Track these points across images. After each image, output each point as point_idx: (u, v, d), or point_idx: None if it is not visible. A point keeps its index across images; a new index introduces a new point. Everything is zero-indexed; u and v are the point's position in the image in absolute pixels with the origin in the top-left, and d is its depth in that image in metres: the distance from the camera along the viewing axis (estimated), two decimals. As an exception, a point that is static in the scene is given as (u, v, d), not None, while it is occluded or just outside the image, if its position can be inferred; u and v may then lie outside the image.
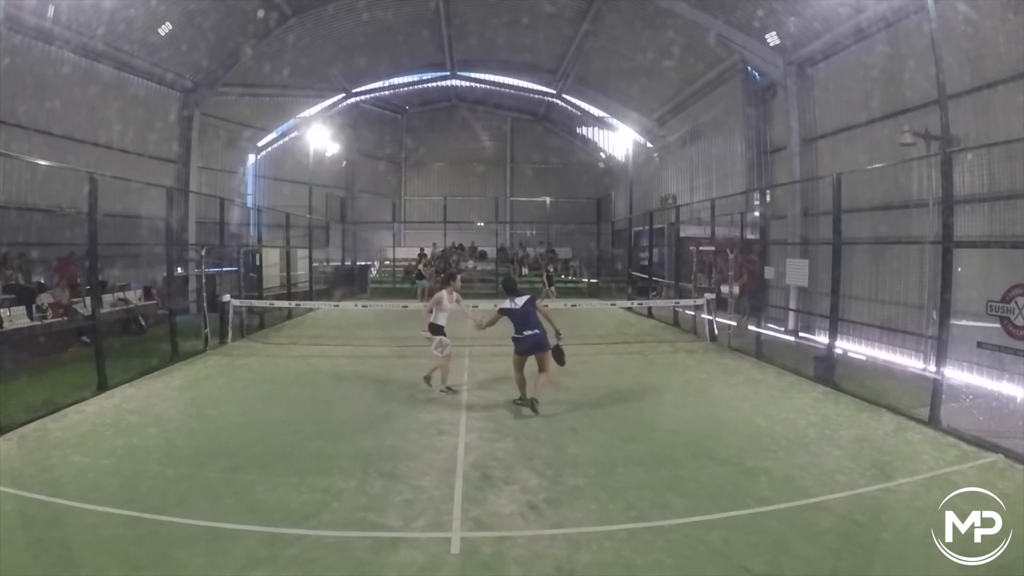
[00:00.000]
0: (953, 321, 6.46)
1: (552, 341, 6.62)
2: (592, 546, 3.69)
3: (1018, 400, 6.82)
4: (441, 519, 4.06)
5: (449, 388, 7.45)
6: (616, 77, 20.48)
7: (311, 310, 15.50)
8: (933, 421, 6.14)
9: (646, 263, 19.22)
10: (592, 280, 23.27)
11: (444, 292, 7.47)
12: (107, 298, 11.35)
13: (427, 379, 7.50)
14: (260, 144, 21.86)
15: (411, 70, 23.97)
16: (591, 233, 25.09)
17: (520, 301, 6.57)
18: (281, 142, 22.93)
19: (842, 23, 10.87)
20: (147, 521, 3.94)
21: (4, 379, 7.64)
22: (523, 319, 6.55)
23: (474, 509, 4.21)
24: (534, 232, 27.03)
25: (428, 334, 7.33)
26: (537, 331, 6.48)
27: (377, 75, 23.30)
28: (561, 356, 6.70)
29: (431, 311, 7.39)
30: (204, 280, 11.51)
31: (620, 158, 24.56)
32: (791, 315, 12.10)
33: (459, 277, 8.52)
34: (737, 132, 15.35)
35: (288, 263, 16.22)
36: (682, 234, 15.58)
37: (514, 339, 6.61)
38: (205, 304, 11.10)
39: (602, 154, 26.81)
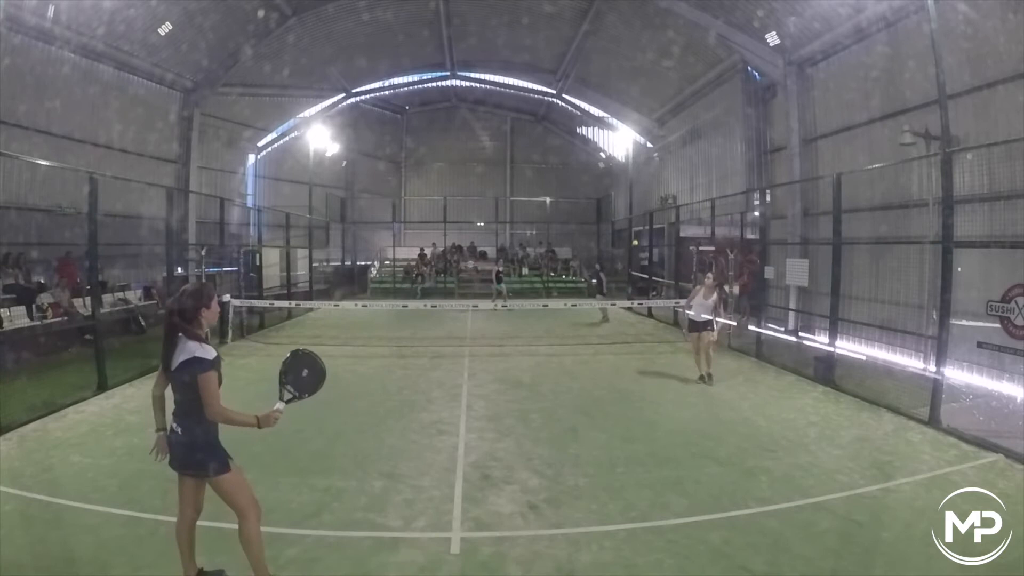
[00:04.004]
0: (953, 321, 6.46)
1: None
2: (592, 546, 3.70)
3: (1018, 400, 6.81)
4: (441, 519, 4.07)
5: (708, 375, 8.10)
6: (616, 77, 20.48)
7: (311, 310, 15.50)
8: (933, 421, 6.15)
9: (646, 263, 19.23)
10: (592, 280, 23.24)
11: (702, 289, 8.24)
12: (107, 298, 11.35)
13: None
14: (260, 144, 21.88)
15: (411, 70, 23.97)
16: (591, 233, 25.08)
17: (188, 352, 2.99)
18: (281, 142, 22.95)
19: (842, 23, 10.87)
20: (147, 521, 3.94)
21: (4, 379, 7.64)
22: (176, 395, 3.08)
23: (474, 509, 4.21)
24: (534, 232, 27.01)
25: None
26: (179, 433, 3.03)
27: (377, 75, 23.31)
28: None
29: (690, 306, 8.33)
30: (204, 280, 11.53)
31: (620, 158, 24.55)
32: (791, 315, 12.08)
33: (709, 276, 8.89)
34: (737, 132, 15.36)
35: (288, 263, 16.22)
36: (682, 234, 15.58)
37: None
38: (205, 304, 11.09)
39: (602, 154, 26.79)
